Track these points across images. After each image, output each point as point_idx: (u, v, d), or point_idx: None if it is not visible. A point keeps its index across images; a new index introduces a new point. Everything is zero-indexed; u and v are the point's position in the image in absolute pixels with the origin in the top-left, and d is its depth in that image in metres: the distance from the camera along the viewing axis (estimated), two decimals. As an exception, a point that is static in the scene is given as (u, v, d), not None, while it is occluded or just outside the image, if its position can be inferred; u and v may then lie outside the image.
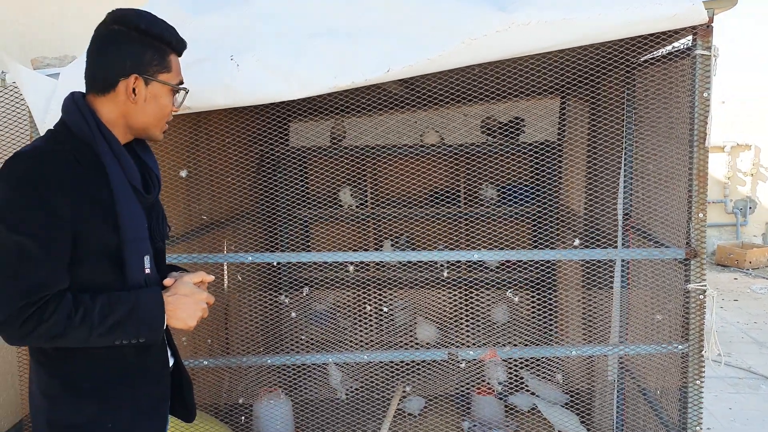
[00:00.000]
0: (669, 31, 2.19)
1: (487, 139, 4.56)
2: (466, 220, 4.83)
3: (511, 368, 4.02)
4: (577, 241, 2.60)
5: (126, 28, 1.61)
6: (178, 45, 1.70)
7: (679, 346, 2.33)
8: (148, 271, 1.66)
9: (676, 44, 2.42)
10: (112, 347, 1.57)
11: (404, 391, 3.24)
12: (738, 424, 4.22)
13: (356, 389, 3.90)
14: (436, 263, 4.45)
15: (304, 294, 2.94)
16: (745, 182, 9.14)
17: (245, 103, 2.28)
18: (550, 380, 3.72)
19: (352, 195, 4.66)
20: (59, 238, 1.49)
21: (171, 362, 1.80)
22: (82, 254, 1.53)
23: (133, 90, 1.62)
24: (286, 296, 3.01)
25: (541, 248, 4.57)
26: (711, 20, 2.15)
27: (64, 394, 1.58)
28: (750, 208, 9.11)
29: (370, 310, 3.68)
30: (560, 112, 4.51)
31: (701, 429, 2.36)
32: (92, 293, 1.54)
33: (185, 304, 1.67)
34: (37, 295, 1.46)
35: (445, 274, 2.74)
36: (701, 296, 2.29)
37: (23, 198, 1.47)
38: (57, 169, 1.50)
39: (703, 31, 2.18)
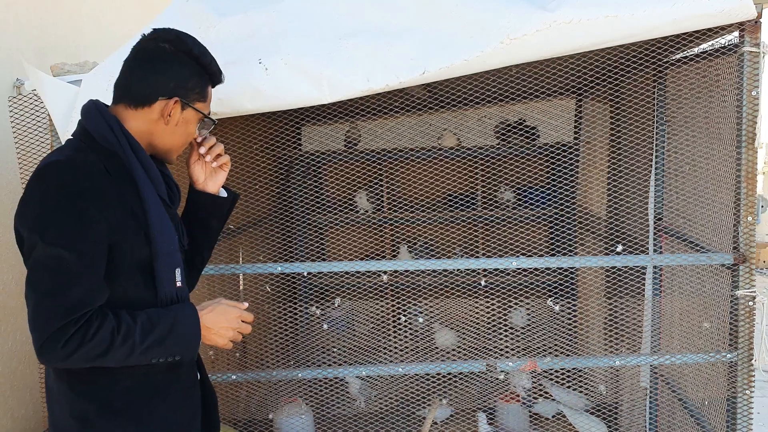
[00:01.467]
0: (716, 27, 2.11)
1: (501, 144, 4.48)
2: (483, 223, 4.75)
3: (536, 375, 3.93)
4: (620, 247, 2.52)
5: (177, 49, 1.59)
6: (219, 78, 1.70)
7: (728, 355, 2.24)
8: (179, 284, 1.62)
9: (716, 41, 2.33)
10: (146, 365, 1.52)
11: (441, 403, 3.15)
12: (765, 429, 4.13)
13: (375, 396, 3.82)
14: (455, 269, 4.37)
15: (336, 305, 2.85)
16: (758, 181, 9.04)
17: (274, 108, 2.21)
18: (588, 389, 3.63)
19: (368, 199, 4.58)
20: (97, 250, 1.43)
21: (198, 377, 1.75)
22: (116, 267, 1.48)
23: (170, 112, 1.59)
24: (318, 307, 2.93)
25: (559, 252, 4.50)
26: (759, 15, 2.06)
27: (97, 416, 1.51)
28: (762, 206, 9.01)
29: (405, 321, 3.59)
30: (576, 112, 4.43)
31: (751, 440, 2.27)
32: (128, 309, 1.49)
33: (217, 324, 1.62)
34: (79, 312, 1.39)
35: (483, 283, 2.65)
36: (750, 303, 2.20)
37: (59, 209, 1.40)
38: (91, 178, 1.45)
39: (751, 27, 2.10)
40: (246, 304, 1.72)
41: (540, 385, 3.90)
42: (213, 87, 1.71)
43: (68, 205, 1.40)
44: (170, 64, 1.58)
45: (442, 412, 3.67)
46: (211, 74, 1.66)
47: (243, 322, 1.68)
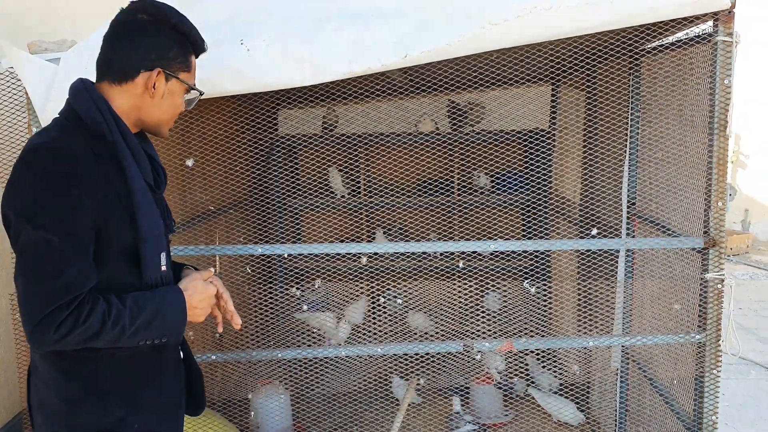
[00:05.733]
0: (691, 16, 2.15)
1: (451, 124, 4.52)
2: (459, 209, 4.80)
3: (512, 355, 4.00)
4: (594, 230, 2.57)
5: (155, 19, 1.56)
6: (201, 46, 1.67)
7: (697, 336, 2.31)
8: (164, 268, 1.62)
9: (690, 30, 2.38)
10: (131, 347, 1.52)
11: (418, 384, 3.19)
12: (732, 410, 4.26)
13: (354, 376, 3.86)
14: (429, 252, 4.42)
15: (316, 286, 2.87)
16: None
17: (255, 90, 2.21)
18: (561, 370, 3.71)
19: (344, 184, 4.59)
20: (86, 234, 1.43)
21: (182, 355, 1.76)
22: (102, 251, 1.48)
23: (153, 84, 1.56)
24: (298, 289, 2.94)
25: (534, 237, 4.56)
26: (733, 6, 2.11)
27: (86, 397, 1.52)
28: (730, 195, 9.20)
29: (384, 302, 3.62)
30: (552, 99, 4.47)
31: (717, 418, 2.35)
32: (115, 293, 1.49)
33: (199, 301, 1.64)
34: (71, 296, 1.39)
35: (461, 266, 2.68)
36: (719, 285, 2.27)
37: (48, 193, 1.39)
38: (79, 161, 1.43)
39: (724, 17, 2.14)
40: (212, 270, 1.74)
41: (523, 362, 3.97)
42: (196, 57, 1.68)
43: (57, 188, 1.39)
44: (149, 35, 1.55)
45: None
46: (193, 42, 1.63)
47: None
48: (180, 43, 1.60)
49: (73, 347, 1.44)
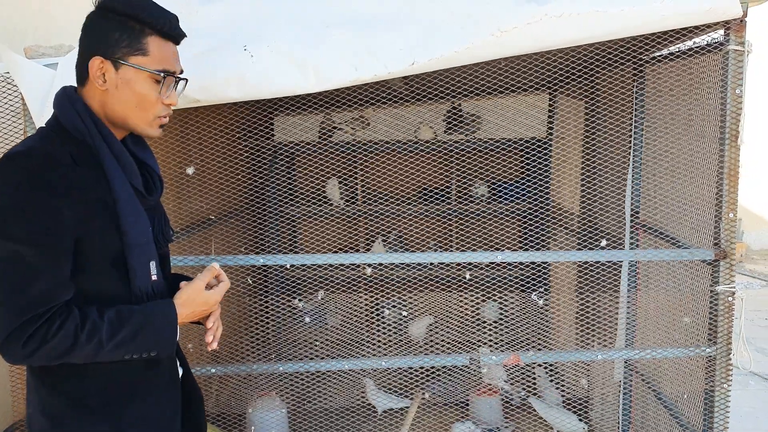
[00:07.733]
0: (701, 25, 2.13)
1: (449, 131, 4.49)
2: (457, 217, 4.76)
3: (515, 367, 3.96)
4: (603, 242, 2.53)
5: (101, 8, 1.49)
6: (159, 25, 1.49)
7: (707, 349, 2.27)
8: (154, 277, 1.55)
9: (701, 39, 2.36)
10: (121, 361, 1.46)
11: (423, 398, 3.14)
12: (732, 420, 4.21)
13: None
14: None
15: (319, 298, 2.82)
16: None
17: (259, 97, 2.16)
18: (562, 382, 3.67)
19: (341, 193, 4.55)
20: (60, 244, 1.37)
21: (180, 372, 1.69)
22: (85, 261, 1.42)
23: (104, 76, 1.48)
24: (300, 300, 2.88)
25: (532, 247, 4.52)
26: (745, 14, 2.09)
27: (69, 413, 1.46)
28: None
29: (389, 314, 3.57)
30: (549, 108, 4.45)
31: (727, 433, 2.31)
32: (99, 306, 1.43)
33: (199, 307, 1.58)
34: (41, 309, 1.34)
35: (467, 276, 2.64)
36: (730, 298, 2.24)
37: (19, 203, 1.34)
38: (55, 170, 1.38)
39: (736, 26, 2.12)
40: (217, 266, 1.66)
41: (528, 374, 3.93)
42: (168, 40, 1.53)
43: (29, 198, 1.34)
44: (91, 27, 1.49)
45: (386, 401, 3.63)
46: (141, 22, 1.47)
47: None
48: (122, 26, 1.47)
49: (49, 362, 1.39)
